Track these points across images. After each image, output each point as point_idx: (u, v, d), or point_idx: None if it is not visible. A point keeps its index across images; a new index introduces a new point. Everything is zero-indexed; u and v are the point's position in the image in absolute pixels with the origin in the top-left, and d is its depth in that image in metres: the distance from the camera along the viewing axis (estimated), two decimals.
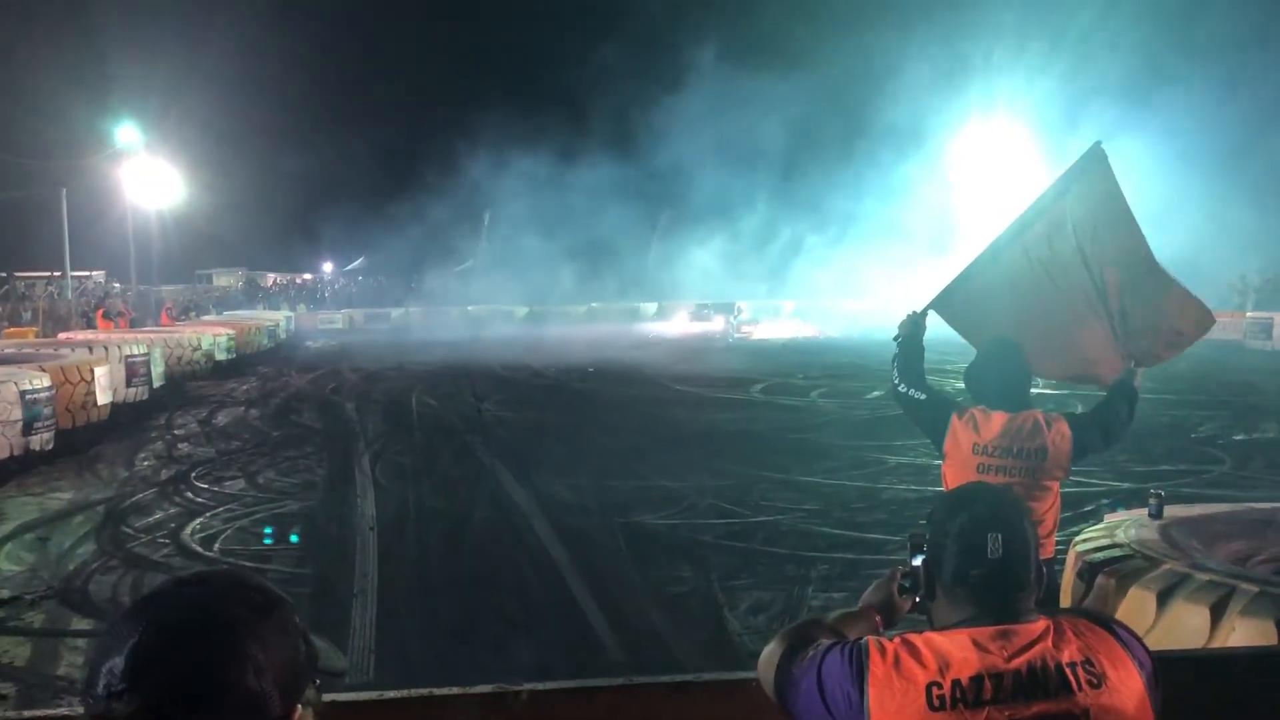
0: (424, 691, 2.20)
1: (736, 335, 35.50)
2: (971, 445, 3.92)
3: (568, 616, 6.75)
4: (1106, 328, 4.09)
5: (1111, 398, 4.04)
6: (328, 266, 65.81)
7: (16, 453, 12.41)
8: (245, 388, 21.34)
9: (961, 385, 4.40)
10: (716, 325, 36.58)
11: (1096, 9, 42.80)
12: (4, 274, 36.59)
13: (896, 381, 4.23)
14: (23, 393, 12.59)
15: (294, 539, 8.76)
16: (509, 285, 52.72)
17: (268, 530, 8.95)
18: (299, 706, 1.12)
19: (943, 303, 4.29)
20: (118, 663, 1.04)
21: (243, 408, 17.88)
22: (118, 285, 43.24)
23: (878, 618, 2.05)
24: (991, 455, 3.87)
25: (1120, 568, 4.38)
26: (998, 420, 3.90)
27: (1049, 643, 1.69)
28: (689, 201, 55.06)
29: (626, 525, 9.05)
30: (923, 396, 4.13)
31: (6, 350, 17.85)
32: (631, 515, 9.41)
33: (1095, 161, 4.11)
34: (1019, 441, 3.86)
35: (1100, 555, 4.55)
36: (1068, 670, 1.67)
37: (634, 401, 18.03)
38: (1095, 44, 42.83)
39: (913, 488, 10.21)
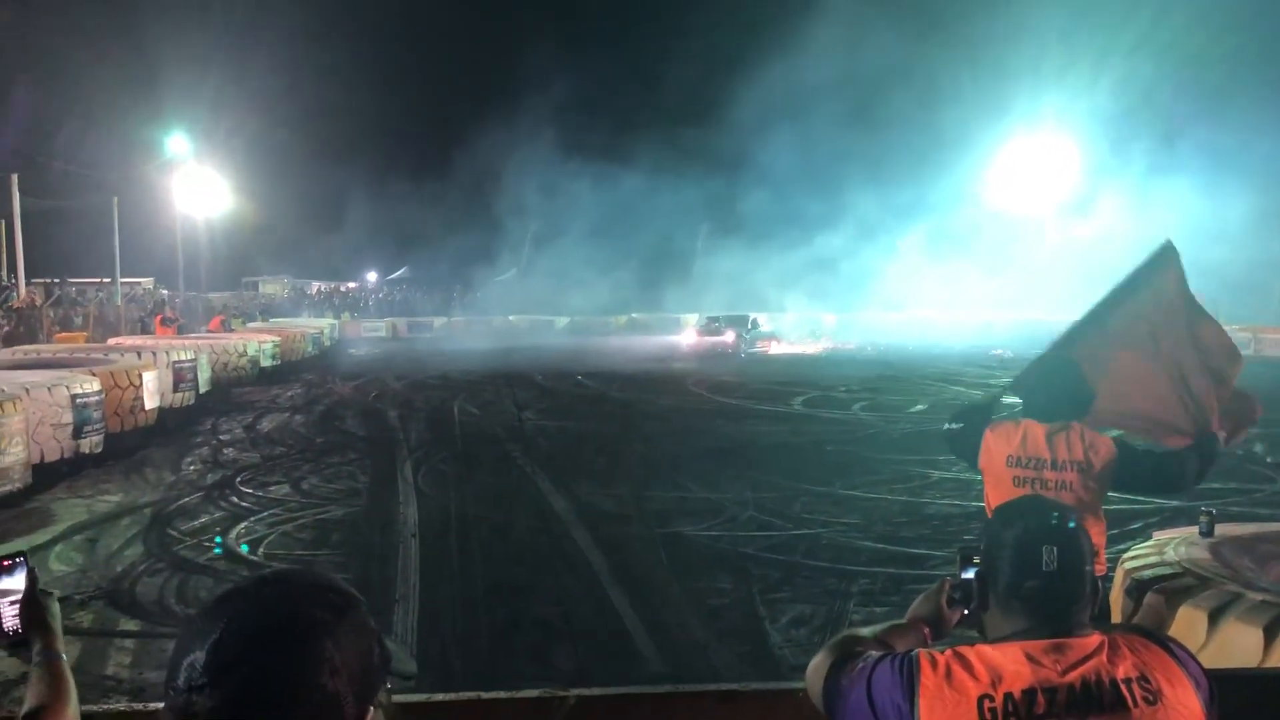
0: (472, 695, 2.21)
1: (750, 350, 34.17)
2: (1005, 457, 3.86)
3: (607, 626, 6.75)
4: (1183, 404, 4.04)
5: (1187, 448, 3.93)
6: (371, 275, 66.46)
7: (67, 455, 12.63)
8: (290, 394, 21.57)
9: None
10: (728, 339, 34.21)
11: (1143, 21, 42.33)
12: (57, 280, 37.23)
13: (946, 426, 4.20)
14: (73, 396, 12.82)
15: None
16: (550, 295, 52.96)
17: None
18: (372, 708, 1.13)
19: (1017, 387, 4.25)
20: (199, 657, 1.06)
21: (287, 414, 18.08)
22: (165, 292, 43.90)
23: (926, 630, 2.03)
24: (1027, 467, 3.80)
25: (1170, 585, 4.32)
26: (1037, 431, 3.84)
27: (1104, 658, 1.67)
28: (732, 212, 55.03)
29: (666, 535, 9.03)
30: (960, 425, 4.10)
31: (58, 354, 18.19)
32: (671, 526, 9.40)
33: (1166, 257, 4.14)
34: (1056, 453, 3.79)
35: (1150, 573, 4.48)
36: (1123, 686, 1.64)
37: (674, 412, 18.01)
38: (1143, 55, 42.31)
39: (956, 503, 10.11)
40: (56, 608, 1.94)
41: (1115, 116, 43.48)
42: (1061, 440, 3.80)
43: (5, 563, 1.92)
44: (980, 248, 48.45)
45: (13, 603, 1.90)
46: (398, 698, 2.28)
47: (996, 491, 3.87)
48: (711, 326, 35.67)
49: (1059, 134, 48.13)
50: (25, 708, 1.72)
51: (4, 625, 1.88)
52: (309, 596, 1.13)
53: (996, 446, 3.90)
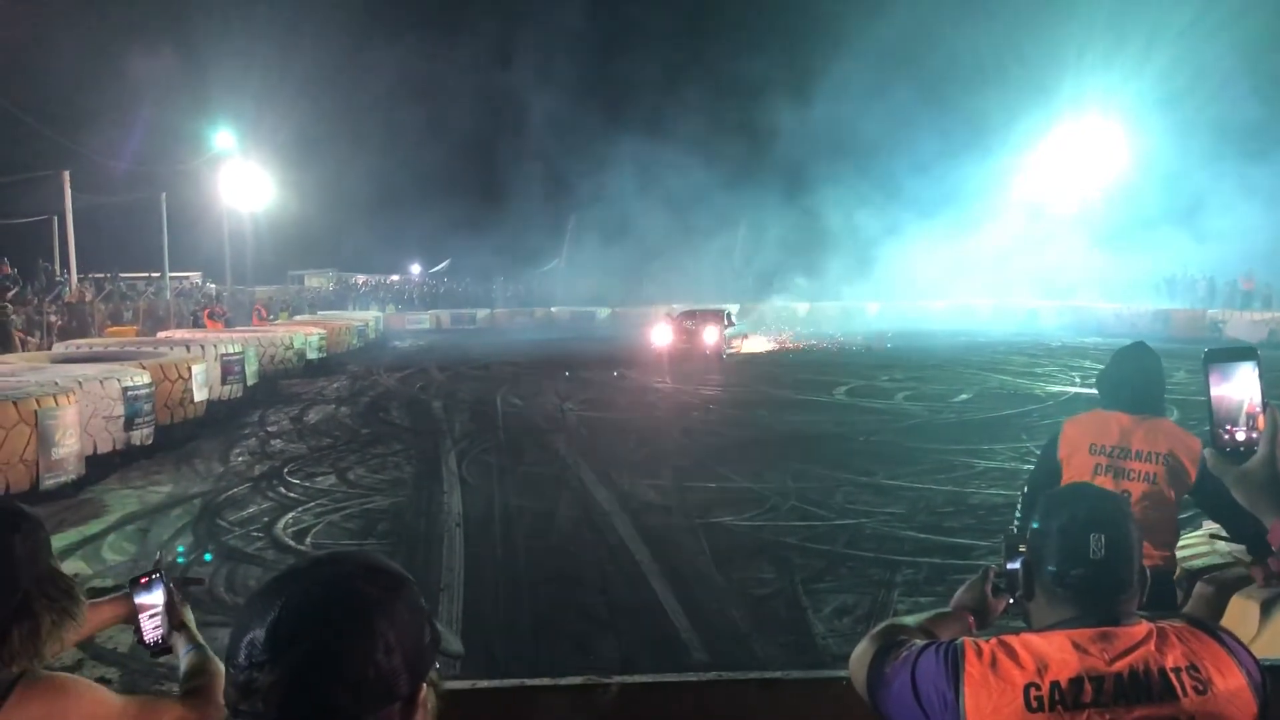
0: (516, 682, 2.23)
1: (729, 351, 29.21)
2: (1089, 445, 3.76)
3: (650, 615, 6.76)
4: None
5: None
6: (415, 268, 66.94)
7: (119, 447, 12.87)
8: (335, 386, 21.80)
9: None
10: (707, 340, 28.22)
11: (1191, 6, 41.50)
12: (107, 274, 37.87)
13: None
14: (125, 389, 13.04)
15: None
16: (592, 286, 53.06)
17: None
18: (424, 686, 1.16)
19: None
20: (259, 635, 1.09)
21: (333, 405, 18.27)
22: (213, 286, 44.52)
23: (970, 618, 2.02)
24: (1111, 455, 3.71)
25: (1220, 576, 4.26)
26: (1124, 421, 3.74)
27: (1152, 646, 1.65)
28: (772, 200, 54.73)
29: (708, 526, 9.03)
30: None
31: (109, 348, 18.52)
32: (713, 516, 9.39)
33: None
34: (1142, 444, 3.68)
35: (1199, 563, 4.42)
36: (1172, 675, 1.62)
37: (714, 402, 17.98)
38: (1194, 36, 41.49)
39: (1001, 492, 10.01)
40: (190, 613, 2.13)
41: (1166, 101, 42.63)
42: (1148, 432, 3.70)
43: (143, 580, 2.08)
44: (1023, 235, 47.90)
45: (152, 615, 2.02)
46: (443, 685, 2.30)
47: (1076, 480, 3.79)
48: (685, 325, 29.12)
49: (1106, 119, 47.33)
50: (184, 687, 1.93)
51: (146, 638, 2.04)
52: (363, 576, 1.16)
53: (1078, 436, 3.80)
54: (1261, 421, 1.47)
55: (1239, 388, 1.52)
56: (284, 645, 1.08)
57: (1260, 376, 1.50)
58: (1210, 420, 1.90)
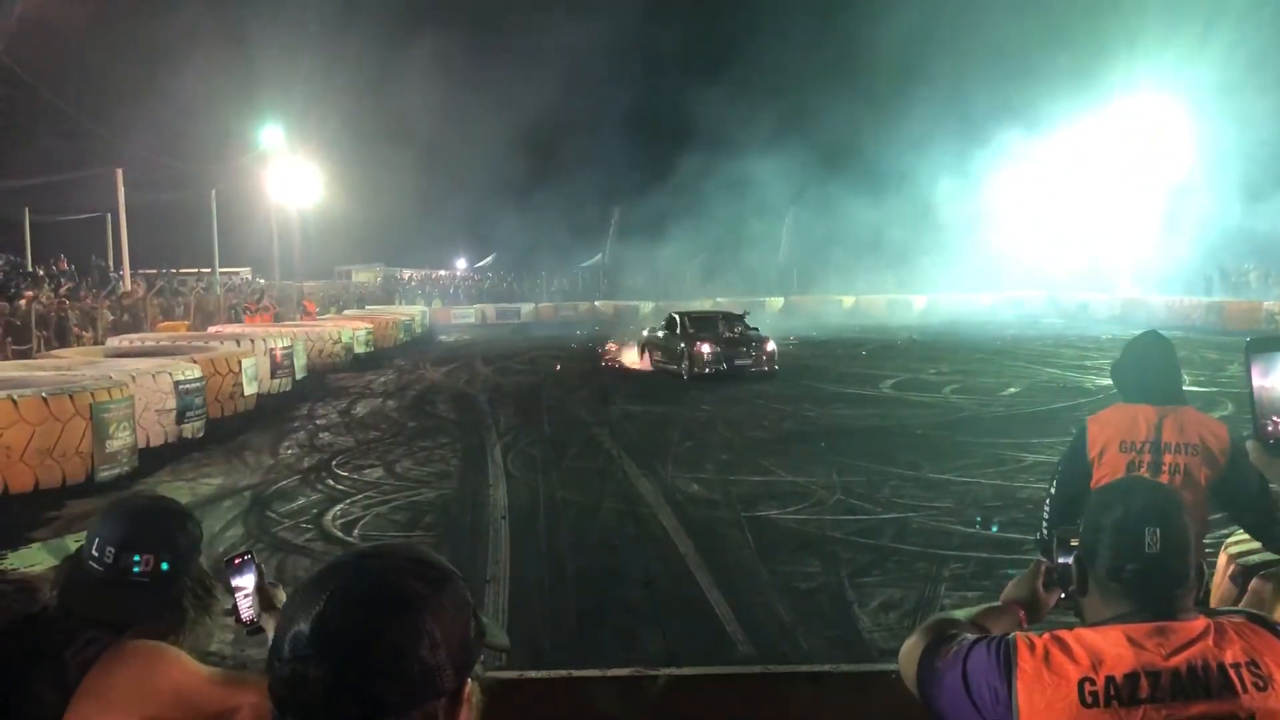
0: (563, 673, 2.24)
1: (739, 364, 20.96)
2: (1120, 442, 3.67)
3: (695, 608, 6.76)
4: None
5: None
6: (461, 263, 67.34)
7: (171, 440, 13.10)
8: (383, 380, 21.99)
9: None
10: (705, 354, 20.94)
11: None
12: (159, 270, 38.51)
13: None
14: (176, 383, 13.27)
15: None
16: (636, 281, 53.05)
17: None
18: (469, 681, 1.16)
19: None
20: (304, 630, 1.09)
21: (380, 399, 18.44)
22: (262, 281, 45.07)
23: (1021, 613, 2.00)
24: (1143, 451, 3.62)
25: (1277, 571, 4.17)
26: (1147, 414, 3.66)
27: (1210, 642, 1.62)
28: (817, 194, 54.37)
29: (753, 519, 9.01)
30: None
31: (161, 343, 18.83)
32: (758, 509, 9.37)
33: None
34: (1174, 436, 3.60)
35: (1256, 558, 4.33)
36: (1231, 671, 1.59)
37: (759, 396, 17.91)
38: (1249, 26, 40.55)
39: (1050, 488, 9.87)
40: (283, 593, 2.15)
41: (1228, 86, 41.59)
42: (1177, 422, 3.62)
43: (236, 560, 2.14)
44: (1074, 227, 47.23)
45: (246, 595, 2.07)
46: (489, 675, 2.32)
47: (1110, 479, 3.70)
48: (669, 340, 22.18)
49: (1164, 103, 46.34)
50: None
51: (243, 616, 2.10)
52: (408, 570, 1.15)
53: (1106, 434, 3.70)
54: None
55: None
56: (329, 640, 1.08)
57: None
58: (1252, 412, 1.85)
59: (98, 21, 36.77)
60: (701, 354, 20.69)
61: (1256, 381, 1.72)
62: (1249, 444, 1.90)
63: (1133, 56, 44.96)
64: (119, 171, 32.91)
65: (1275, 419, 1.44)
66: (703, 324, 22.32)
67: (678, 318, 22.68)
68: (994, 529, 8.46)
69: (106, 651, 1.83)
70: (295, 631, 1.10)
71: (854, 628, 6.33)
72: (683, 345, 21.18)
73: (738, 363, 20.75)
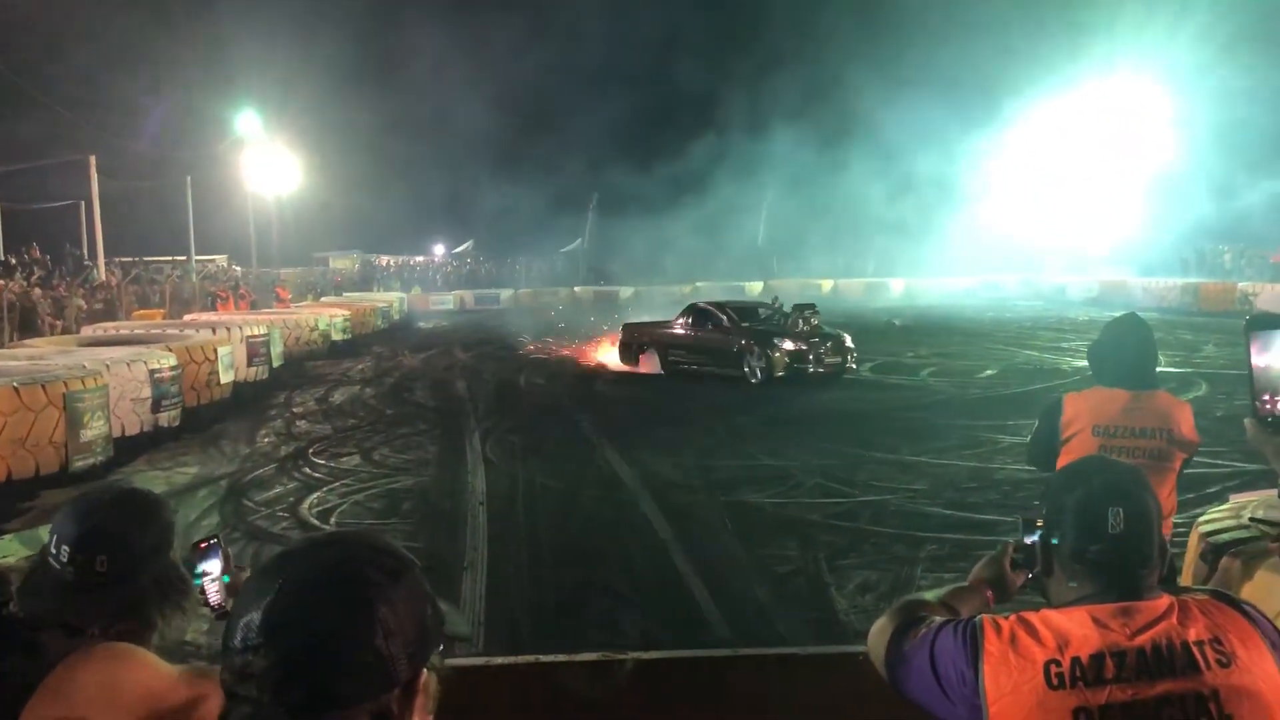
0: (531, 658, 2.23)
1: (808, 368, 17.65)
2: (1092, 426, 3.70)
3: (673, 592, 6.77)
4: None
5: None
6: (439, 249, 67.07)
7: (146, 429, 12.99)
8: (360, 367, 21.91)
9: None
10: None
11: None
12: (134, 258, 38.21)
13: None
14: (151, 372, 13.16)
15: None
16: (615, 266, 52.98)
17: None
18: (425, 671, 1.13)
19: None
20: (255, 618, 1.06)
21: (358, 386, 18.37)
22: (238, 269, 44.76)
23: (989, 593, 1.99)
24: (1115, 436, 3.65)
25: (1248, 549, 4.19)
26: (1121, 398, 3.70)
27: (1174, 620, 1.62)
28: (795, 179, 54.39)
29: (732, 503, 9.02)
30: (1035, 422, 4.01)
31: (136, 331, 18.68)
32: (737, 494, 9.38)
33: None
34: (1145, 420, 3.65)
35: (1226, 536, 4.35)
36: (1194, 649, 1.59)
37: (738, 381, 17.92)
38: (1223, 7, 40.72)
39: (1027, 468, 9.91)
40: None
41: (1207, 70, 41.73)
42: (1147, 407, 3.67)
43: (202, 545, 2.11)
44: (1050, 209, 47.47)
45: (213, 581, 2.06)
46: (457, 661, 2.30)
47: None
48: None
49: (1142, 87, 46.51)
50: None
51: (211, 601, 2.07)
52: (364, 558, 1.12)
53: (1081, 414, 3.74)
54: None
55: None
56: (279, 629, 1.05)
57: None
58: (1250, 390, 1.85)
59: (70, 7, 36.34)
60: (782, 355, 17.00)
61: (1255, 360, 1.72)
62: (1246, 422, 1.91)
63: (1112, 40, 45.16)
64: (92, 159, 32.61)
65: (1270, 397, 1.43)
66: (744, 314, 18.72)
67: (712, 309, 19.00)
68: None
69: (73, 654, 1.77)
70: (247, 620, 1.06)
71: (830, 610, 6.35)
72: (744, 342, 17.61)
73: (828, 361, 17.07)
